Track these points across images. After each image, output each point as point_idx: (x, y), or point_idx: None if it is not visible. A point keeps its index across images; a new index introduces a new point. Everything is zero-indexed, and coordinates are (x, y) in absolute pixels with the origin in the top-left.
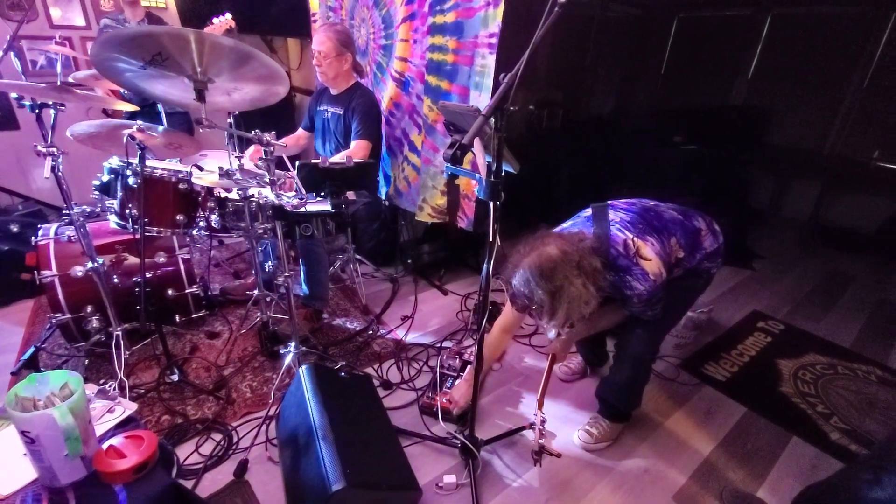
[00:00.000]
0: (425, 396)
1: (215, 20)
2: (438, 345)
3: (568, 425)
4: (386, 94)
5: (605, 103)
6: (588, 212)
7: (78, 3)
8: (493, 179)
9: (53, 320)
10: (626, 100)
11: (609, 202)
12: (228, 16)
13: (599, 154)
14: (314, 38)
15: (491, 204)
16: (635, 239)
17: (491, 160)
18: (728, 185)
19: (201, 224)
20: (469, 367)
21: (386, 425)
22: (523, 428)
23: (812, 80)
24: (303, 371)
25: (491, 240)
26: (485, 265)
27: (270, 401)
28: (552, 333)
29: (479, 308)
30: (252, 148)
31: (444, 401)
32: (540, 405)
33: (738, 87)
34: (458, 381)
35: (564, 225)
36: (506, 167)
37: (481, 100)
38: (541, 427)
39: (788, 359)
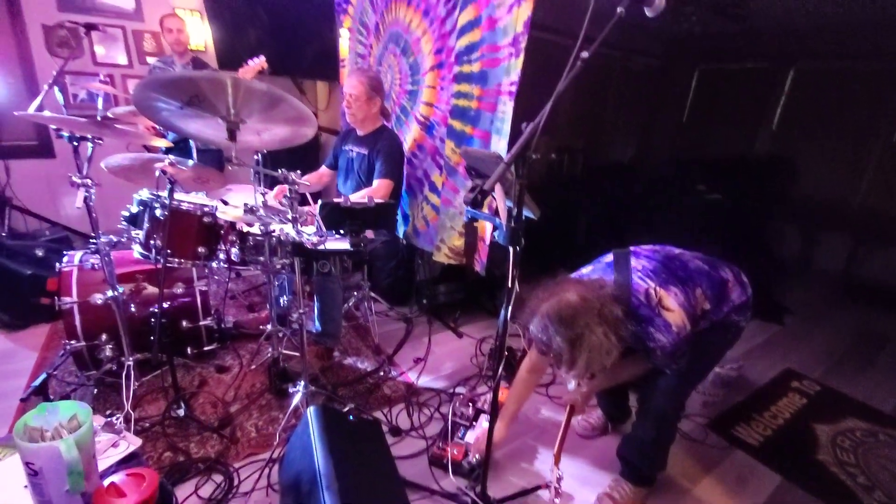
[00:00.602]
0: (436, 446)
1: (250, 62)
2: (451, 391)
3: (587, 487)
4: (409, 135)
5: (626, 151)
6: (609, 257)
7: (122, 43)
8: (513, 225)
9: (68, 347)
10: (647, 148)
11: (632, 248)
12: (262, 58)
13: (620, 201)
14: (346, 81)
15: (511, 249)
16: (658, 288)
17: (512, 206)
18: (754, 236)
19: (221, 257)
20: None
21: (393, 477)
22: (539, 487)
23: (839, 132)
24: (310, 413)
25: (510, 285)
26: (503, 311)
27: (275, 442)
28: (572, 384)
29: (496, 354)
30: (277, 188)
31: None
32: (556, 461)
33: (763, 138)
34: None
35: (584, 270)
36: (526, 213)
37: (501, 144)
38: (557, 486)
39: (825, 423)
